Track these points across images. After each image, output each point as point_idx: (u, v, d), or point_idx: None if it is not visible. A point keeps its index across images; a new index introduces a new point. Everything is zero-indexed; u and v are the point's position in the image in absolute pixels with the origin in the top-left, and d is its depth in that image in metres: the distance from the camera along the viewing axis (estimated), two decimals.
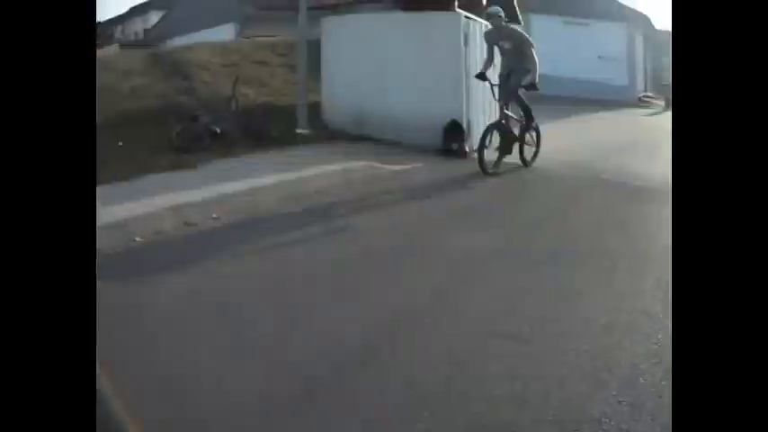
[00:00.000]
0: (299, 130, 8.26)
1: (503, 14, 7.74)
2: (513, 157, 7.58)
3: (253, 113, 8.50)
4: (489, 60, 7.83)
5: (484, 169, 7.11)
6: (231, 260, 4.31)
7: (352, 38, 8.54)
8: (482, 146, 7.25)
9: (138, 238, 4.73)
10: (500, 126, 7.57)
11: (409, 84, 7.94)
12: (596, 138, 10.42)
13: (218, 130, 7.71)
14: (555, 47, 17.52)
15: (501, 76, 7.82)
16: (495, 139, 7.60)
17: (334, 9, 9.34)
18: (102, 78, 9.14)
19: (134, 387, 2.48)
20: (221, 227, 5.03)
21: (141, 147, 7.36)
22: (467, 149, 8.10)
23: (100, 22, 37.36)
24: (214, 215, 5.18)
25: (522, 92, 7.73)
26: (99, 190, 5.62)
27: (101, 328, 2.86)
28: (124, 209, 5.09)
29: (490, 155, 7.34)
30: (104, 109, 8.44)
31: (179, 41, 14.61)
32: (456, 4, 9.17)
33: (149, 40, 20.44)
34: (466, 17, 8.93)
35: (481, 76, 7.58)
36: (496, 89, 7.61)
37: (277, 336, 2.98)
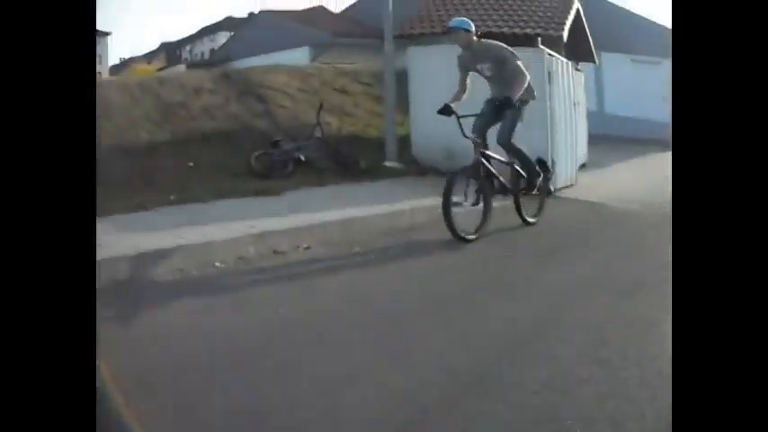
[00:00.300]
0: (387, 163, 8.18)
1: (472, 28, 5.99)
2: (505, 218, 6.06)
3: (338, 143, 8.38)
4: (460, 92, 6.19)
5: (457, 234, 5.34)
6: (326, 289, 4.21)
7: (439, 71, 8.40)
8: (448, 203, 5.34)
9: (218, 263, 4.59)
10: (476, 173, 5.73)
11: None
12: (662, 177, 10.32)
13: (303, 158, 7.60)
14: (622, 86, 17.31)
15: (487, 102, 6.18)
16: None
17: (418, 39, 9.23)
18: (171, 95, 9.39)
19: (237, 416, 2.47)
20: (314, 257, 4.90)
21: (215, 169, 7.32)
22: (551, 188, 7.92)
23: (169, 43, 38.79)
24: (305, 245, 5.05)
25: (516, 137, 6.04)
26: (174, 210, 5.74)
27: (180, 358, 2.97)
28: (202, 232, 4.98)
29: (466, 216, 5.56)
30: (174, 127, 8.67)
31: (247, 63, 14.65)
32: (539, 41, 9.10)
33: (216, 60, 20.81)
34: (549, 54, 8.84)
35: (445, 111, 5.91)
36: (469, 123, 5.88)
37: (384, 364, 2.95)
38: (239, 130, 8.77)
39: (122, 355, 2.86)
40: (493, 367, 2.95)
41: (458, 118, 5.90)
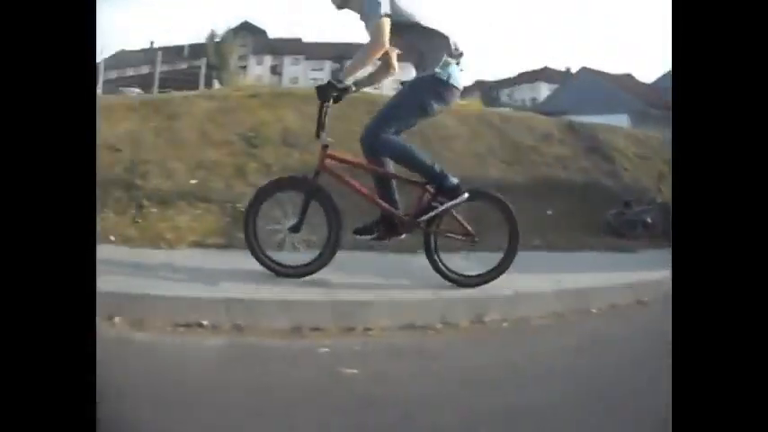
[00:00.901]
0: None
1: None
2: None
3: (668, 211, 8.44)
4: (382, 68, 4.45)
5: (267, 266, 4.09)
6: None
7: None
8: (249, 219, 4.02)
9: (593, 309, 4.88)
10: (303, 183, 4.07)
11: None
12: None
13: (649, 221, 8.02)
14: None
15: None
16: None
17: None
18: (520, 137, 9.42)
19: None
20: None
21: (570, 220, 7.68)
22: None
23: (485, 81, 36.31)
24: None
25: (394, 127, 4.07)
26: (539, 255, 6.09)
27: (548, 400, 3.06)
28: (574, 278, 5.30)
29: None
30: (526, 170, 8.63)
31: (574, 118, 15.73)
32: None
33: (542, 109, 21.55)
34: None
35: (327, 90, 3.98)
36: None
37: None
38: (588, 186, 8.93)
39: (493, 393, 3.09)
40: None
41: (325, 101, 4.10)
